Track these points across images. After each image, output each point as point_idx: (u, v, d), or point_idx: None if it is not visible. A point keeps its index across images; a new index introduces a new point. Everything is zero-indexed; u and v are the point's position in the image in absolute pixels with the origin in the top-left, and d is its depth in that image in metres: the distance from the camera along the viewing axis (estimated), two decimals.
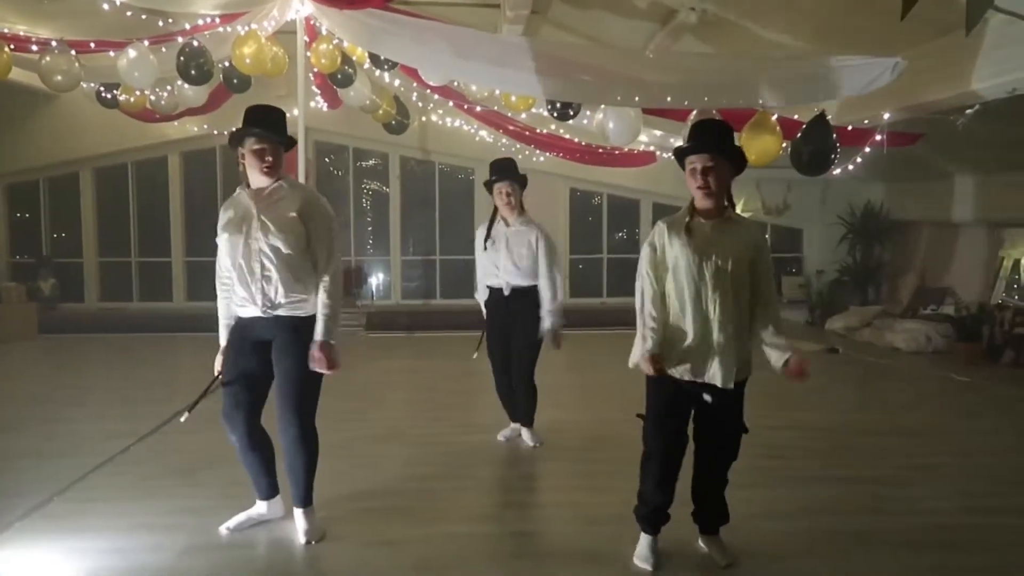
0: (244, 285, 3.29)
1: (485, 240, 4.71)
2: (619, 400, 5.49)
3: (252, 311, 3.32)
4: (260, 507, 3.57)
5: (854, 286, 10.72)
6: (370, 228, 11.92)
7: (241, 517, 3.52)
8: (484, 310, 4.84)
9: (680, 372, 3.02)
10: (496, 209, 4.74)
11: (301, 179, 6.61)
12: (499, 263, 4.66)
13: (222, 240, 3.31)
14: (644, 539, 3.17)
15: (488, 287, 4.77)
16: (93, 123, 10.00)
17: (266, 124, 3.27)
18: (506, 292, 4.67)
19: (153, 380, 7.04)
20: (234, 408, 3.35)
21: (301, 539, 3.37)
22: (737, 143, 3.07)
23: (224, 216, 3.34)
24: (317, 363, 3.25)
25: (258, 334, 3.34)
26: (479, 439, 4.93)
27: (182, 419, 3.48)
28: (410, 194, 11.58)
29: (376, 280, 11.77)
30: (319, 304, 3.32)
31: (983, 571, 3.12)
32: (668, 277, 3.01)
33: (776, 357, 3.03)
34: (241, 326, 3.39)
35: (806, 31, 6.02)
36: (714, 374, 2.97)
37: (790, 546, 3.33)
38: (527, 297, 4.65)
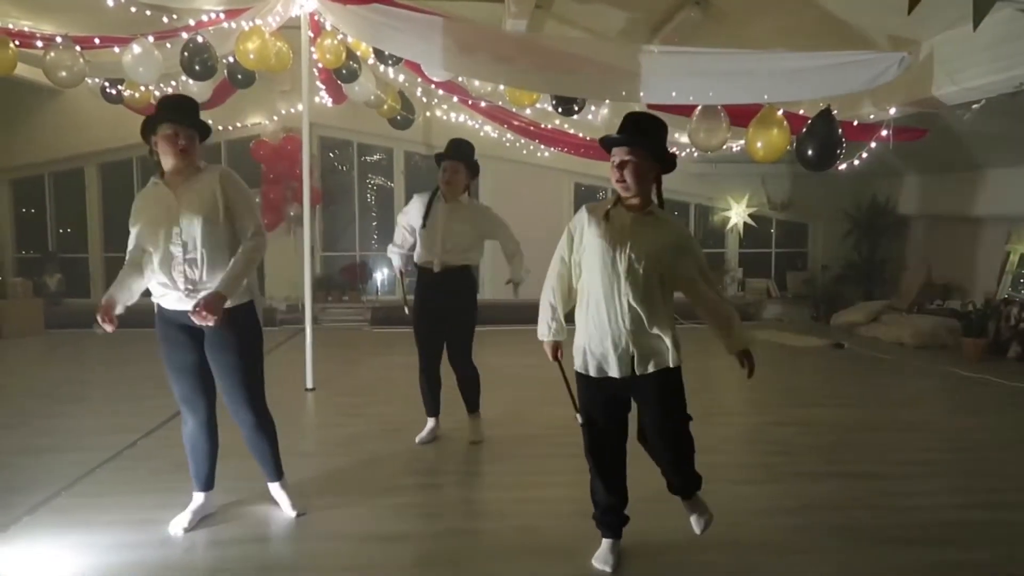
0: (165, 270, 3.26)
1: (425, 217, 4.64)
2: None
3: (174, 298, 3.29)
4: (199, 499, 3.59)
5: (859, 281, 10.69)
6: (375, 223, 11.92)
7: (188, 515, 3.51)
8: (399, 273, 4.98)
9: (594, 367, 2.98)
10: (438, 187, 4.70)
11: (305, 174, 6.61)
12: (435, 240, 4.59)
13: (136, 230, 3.34)
14: (604, 542, 3.15)
15: (417, 266, 4.70)
16: (98, 119, 10.01)
17: (178, 111, 3.31)
18: (437, 270, 4.59)
19: (159, 375, 7.03)
20: (192, 392, 3.40)
21: (290, 513, 3.53)
22: (668, 142, 3.00)
23: (136, 206, 3.39)
24: (199, 313, 3.09)
25: (190, 328, 3.31)
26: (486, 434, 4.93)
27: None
28: (414, 189, 11.51)
29: (380, 275, 11.78)
30: (232, 261, 3.25)
31: (987, 567, 3.12)
32: (583, 263, 2.97)
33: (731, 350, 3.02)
34: (168, 319, 3.36)
35: (810, 25, 6.00)
36: (612, 364, 2.92)
37: (794, 542, 3.33)
38: (463, 276, 4.64)
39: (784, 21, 6.12)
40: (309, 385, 6.29)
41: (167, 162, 3.32)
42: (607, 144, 2.92)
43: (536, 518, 3.64)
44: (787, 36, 6.19)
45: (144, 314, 3.47)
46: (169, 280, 3.27)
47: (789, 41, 6.09)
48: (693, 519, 3.17)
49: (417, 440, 4.79)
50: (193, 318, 3.11)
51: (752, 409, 5.85)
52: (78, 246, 11.22)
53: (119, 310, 3.27)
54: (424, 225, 4.62)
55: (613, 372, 2.93)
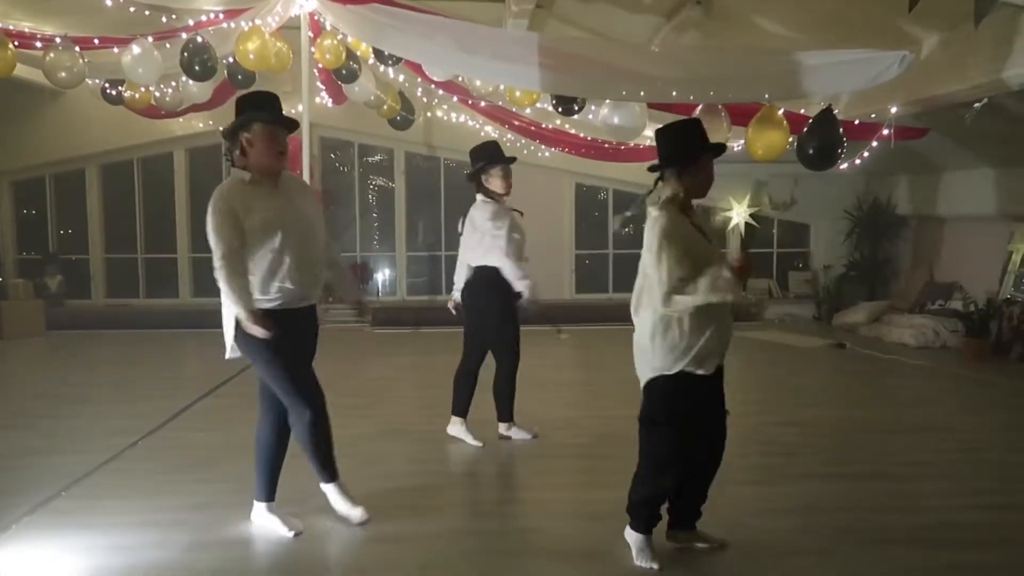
0: (299, 269, 3.25)
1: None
2: (623, 397, 5.47)
3: (298, 298, 3.31)
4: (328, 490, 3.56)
5: (861, 281, 10.66)
6: (376, 224, 11.92)
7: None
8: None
9: (712, 366, 3.02)
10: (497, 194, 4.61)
11: (306, 175, 6.60)
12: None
13: (257, 227, 3.16)
14: (645, 539, 3.11)
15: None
16: (98, 120, 10.01)
17: (275, 110, 3.25)
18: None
19: (159, 376, 7.06)
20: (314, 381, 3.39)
21: (356, 517, 3.44)
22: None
23: (243, 203, 3.17)
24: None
25: (306, 328, 3.39)
26: (483, 436, 4.92)
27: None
28: (415, 189, 11.57)
29: (382, 276, 11.77)
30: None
31: (992, 568, 3.10)
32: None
33: None
34: (288, 320, 3.24)
35: (812, 24, 5.98)
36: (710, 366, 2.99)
37: (796, 544, 3.31)
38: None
39: (785, 20, 6.10)
40: None
41: (261, 165, 3.24)
42: (716, 152, 3.09)
43: (538, 519, 3.62)
44: (788, 35, 6.17)
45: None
46: (301, 280, 3.25)
47: (790, 40, 6.08)
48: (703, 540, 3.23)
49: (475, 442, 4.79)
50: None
51: (754, 409, 5.83)
52: (79, 247, 11.21)
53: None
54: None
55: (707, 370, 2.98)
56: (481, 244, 4.52)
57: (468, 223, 4.63)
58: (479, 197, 4.60)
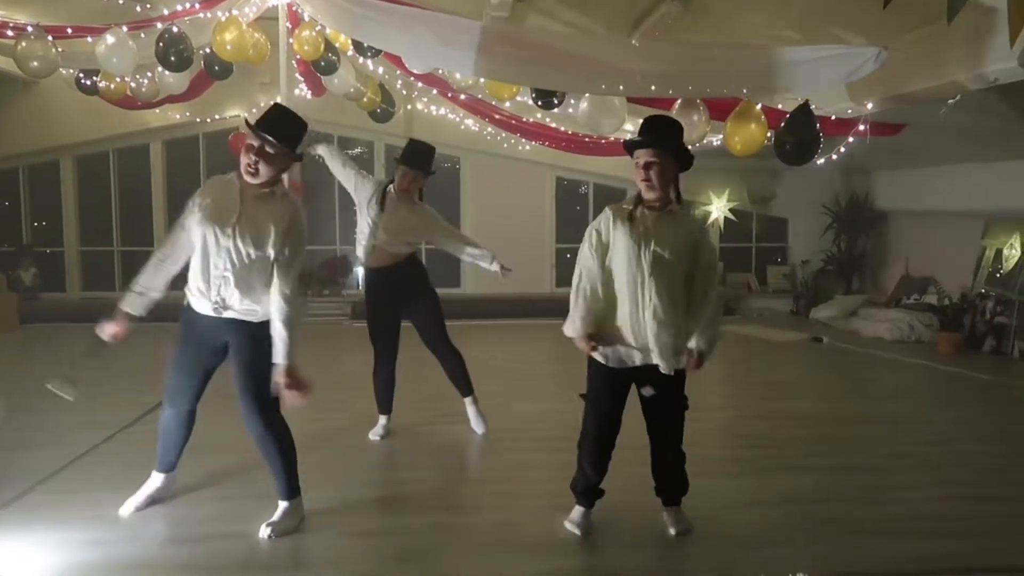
0: (204, 277, 3.21)
1: None
2: None
3: (204, 306, 3.26)
4: (157, 479, 3.61)
5: (839, 276, 10.77)
6: (355, 217, 11.84)
7: (142, 496, 3.56)
8: None
9: (615, 359, 3.13)
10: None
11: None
12: None
13: (194, 221, 3.18)
14: (578, 509, 3.35)
15: None
16: (73, 110, 9.85)
17: (275, 128, 3.16)
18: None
19: (135, 370, 6.97)
20: (186, 389, 3.41)
21: (264, 531, 3.30)
22: (685, 141, 3.18)
23: (206, 198, 3.21)
24: (287, 391, 3.13)
25: (212, 336, 3.32)
26: (461, 429, 4.92)
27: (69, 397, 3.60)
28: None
29: (361, 269, 11.72)
30: (280, 328, 3.16)
31: (965, 558, 3.15)
32: (608, 262, 3.11)
33: (691, 346, 3.12)
34: (194, 319, 3.33)
35: (792, 20, 6.01)
36: (655, 358, 3.07)
37: (772, 534, 3.35)
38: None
39: (764, 15, 6.13)
40: None
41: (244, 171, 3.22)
42: (631, 147, 3.05)
43: (515, 513, 3.63)
44: (767, 31, 6.20)
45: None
46: (204, 289, 3.22)
47: (769, 36, 6.12)
48: (671, 522, 3.32)
49: (372, 436, 4.83)
50: (283, 393, 3.15)
51: (731, 403, 5.88)
52: (54, 239, 11.05)
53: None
54: None
55: (633, 363, 3.10)
56: None
57: None
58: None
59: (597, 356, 3.15)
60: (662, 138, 3.02)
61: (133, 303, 3.33)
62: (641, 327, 3.05)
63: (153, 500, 3.60)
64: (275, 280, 3.20)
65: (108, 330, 3.35)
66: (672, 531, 3.29)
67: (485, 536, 3.37)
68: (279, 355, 3.15)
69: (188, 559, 3.10)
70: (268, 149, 3.15)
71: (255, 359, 3.24)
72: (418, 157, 4.65)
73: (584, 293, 3.16)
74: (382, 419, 4.87)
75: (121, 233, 11.12)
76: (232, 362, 3.33)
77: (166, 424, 3.54)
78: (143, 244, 10.98)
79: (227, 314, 3.24)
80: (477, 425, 4.83)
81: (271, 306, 3.20)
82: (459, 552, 3.21)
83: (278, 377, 3.13)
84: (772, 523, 3.47)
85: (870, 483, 4.00)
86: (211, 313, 3.25)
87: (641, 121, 3.13)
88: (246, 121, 3.28)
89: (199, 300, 3.27)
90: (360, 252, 4.81)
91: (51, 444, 4.56)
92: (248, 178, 3.20)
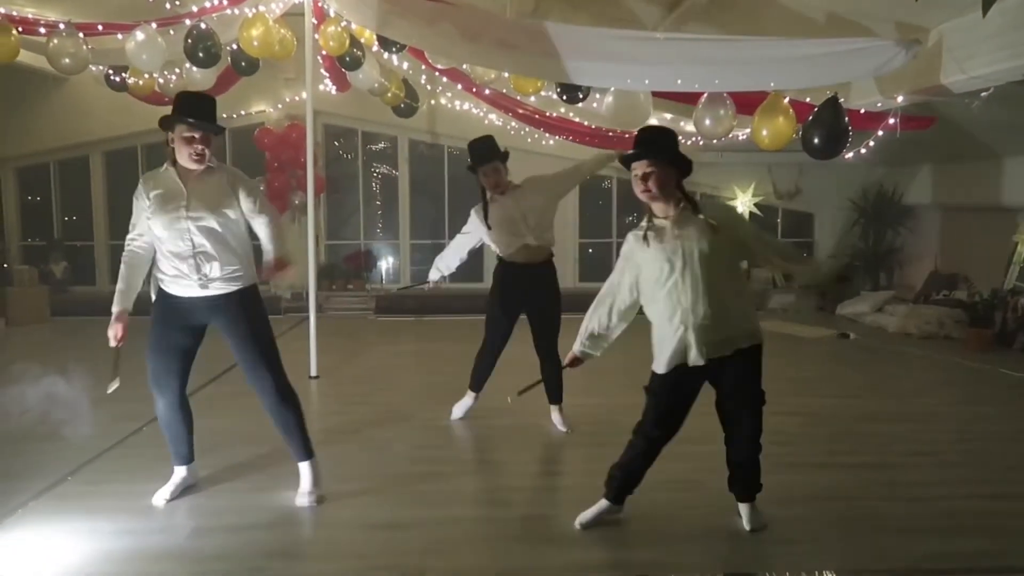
0: (180, 259, 3.36)
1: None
2: (627, 384, 5.49)
3: (186, 286, 3.39)
4: (181, 472, 3.71)
5: (866, 271, 10.65)
6: (379, 212, 11.90)
7: (171, 487, 3.65)
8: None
9: (675, 365, 3.13)
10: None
11: (309, 162, 6.60)
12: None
13: (151, 213, 3.36)
14: (603, 503, 3.35)
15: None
16: (102, 106, 10.01)
17: (199, 113, 3.35)
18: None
19: None
20: (166, 374, 3.50)
21: (305, 500, 3.53)
22: (680, 147, 3.16)
23: (151, 191, 3.39)
24: (271, 273, 3.55)
25: (192, 317, 3.46)
26: (486, 423, 4.94)
27: (109, 390, 3.58)
28: (419, 177, 11.56)
29: (385, 264, 11.77)
30: (265, 233, 3.53)
31: (989, 557, 3.11)
32: (639, 282, 3.18)
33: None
34: (173, 304, 3.45)
35: (819, 12, 5.94)
36: (695, 356, 3.07)
37: (797, 532, 3.33)
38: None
39: (792, 7, 6.05)
40: (313, 373, 6.29)
41: (182, 159, 3.39)
42: (626, 161, 3.10)
43: (543, 507, 3.64)
44: (795, 23, 6.13)
45: (149, 302, 3.51)
46: (179, 272, 3.37)
47: (797, 28, 6.04)
48: (744, 519, 3.35)
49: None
50: (270, 280, 3.41)
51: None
52: (83, 234, 11.24)
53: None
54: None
55: (697, 363, 3.09)
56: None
57: None
58: None
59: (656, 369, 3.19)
60: (654, 147, 3.05)
61: (126, 300, 3.52)
62: (687, 330, 3.05)
63: (184, 488, 3.71)
64: (256, 222, 3.51)
65: (116, 333, 3.51)
66: (747, 527, 3.31)
67: (511, 530, 3.38)
68: (270, 251, 3.54)
69: (218, 549, 3.14)
70: (208, 135, 3.39)
71: (250, 324, 3.45)
72: (483, 152, 4.70)
73: (600, 319, 3.30)
74: (470, 396, 4.97)
75: None
76: (230, 340, 3.48)
77: (163, 416, 3.63)
78: None
79: (212, 288, 3.39)
80: (561, 426, 4.86)
81: (258, 231, 3.53)
82: (484, 545, 3.22)
83: (269, 265, 3.54)
84: (797, 520, 3.45)
85: (898, 480, 3.95)
86: (193, 294, 3.39)
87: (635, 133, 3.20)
88: (179, 117, 3.36)
89: (175, 284, 3.41)
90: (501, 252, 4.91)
91: (82, 436, 4.63)
92: (195, 165, 3.39)
